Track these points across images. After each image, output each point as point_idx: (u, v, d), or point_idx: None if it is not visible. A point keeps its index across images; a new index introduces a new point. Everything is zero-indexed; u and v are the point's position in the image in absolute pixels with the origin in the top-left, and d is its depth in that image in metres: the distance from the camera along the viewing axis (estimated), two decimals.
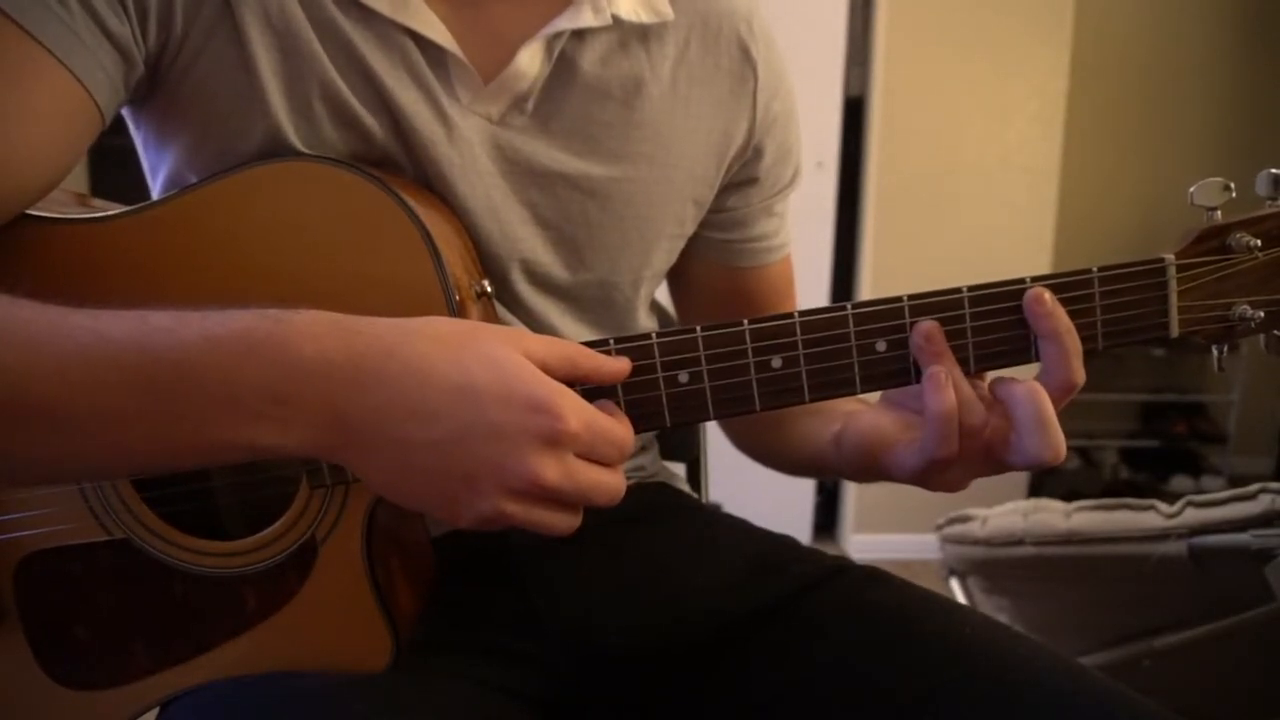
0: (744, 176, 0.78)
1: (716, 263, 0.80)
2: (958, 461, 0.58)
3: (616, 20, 0.68)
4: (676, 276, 0.82)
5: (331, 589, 0.60)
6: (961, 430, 0.56)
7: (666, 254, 0.76)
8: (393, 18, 0.63)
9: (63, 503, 0.62)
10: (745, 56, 0.75)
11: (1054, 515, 1.49)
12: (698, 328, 0.56)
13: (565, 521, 0.52)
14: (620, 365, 0.55)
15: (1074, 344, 0.57)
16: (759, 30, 0.75)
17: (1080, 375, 0.57)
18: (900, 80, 2.70)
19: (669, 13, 0.70)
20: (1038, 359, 0.58)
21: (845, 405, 0.72)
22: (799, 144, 0.81)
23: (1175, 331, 0.60)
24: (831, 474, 0.74)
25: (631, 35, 0.70)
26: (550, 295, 0.72)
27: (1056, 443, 0.56)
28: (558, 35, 0.67)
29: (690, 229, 0.77)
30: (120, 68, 0.60)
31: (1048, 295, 0.57)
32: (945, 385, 0.56)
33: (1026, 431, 0.56)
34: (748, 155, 0.77)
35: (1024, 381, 0.57)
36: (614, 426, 0.52)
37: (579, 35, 0.68)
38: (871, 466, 0.64)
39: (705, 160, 0.74)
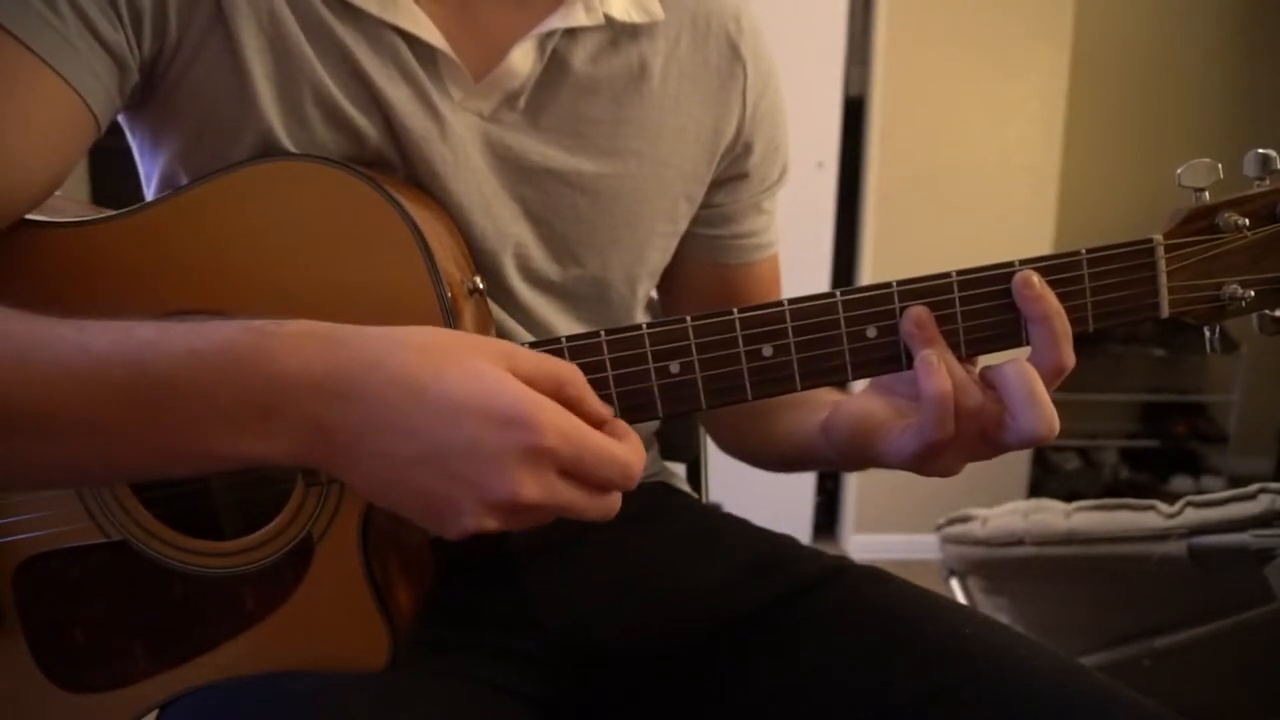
0: (733, 172, 0.78)
1: (704, 259, 0.80)
2: (953, 445, 0.58)
3: (608, 19, 0.68)
4: (663, 274, 0.81)
5: (329, 587, 0.60)
6: (958, 412, 0.56)
7: (661, 252, 0.76)
8: (381, 17, 0.63)
9: (60, 505, 0.62)
10: (734, 53, 0.75)
11: (1054, 515, 1.49)
12: (688, 318, 0.56)
13: (543, 522, 0.51)
14: (604, 410, 0.53)
15: (1063, 326, 0.57)
16: (747, 27, 0.76)
17: (1070, 358, 0.57)
18: (900, 80, 2.69)
19: (660, 13, 0.71)
20: (1028, 342, 0.58)
21: (829, 395, 0.72)
22: (787, 141, 0.81)
23: (1165, 312, 0.59)
24: (820, 464, 0.74)
25: (623, 34, 0.70)
26: (544, 292, 0.72)
27: (1050, 417, 0.55)
28: (550, 34, 0.67)
29: (683, 226, 0.77)
30: (114, 74, 0.60)
31: (1036, 278, 0.57)
32: (939, 368, 0.56)
33: (1020, 409, 0.55)
34: (737, 150, 0.77)
35: (1013, 361, 0.57)
36: (610, 444, 0.50)
37: (571, 34, 0.68)
38: (863, 452, 0.63)
39: (696, 156, 0.75)
